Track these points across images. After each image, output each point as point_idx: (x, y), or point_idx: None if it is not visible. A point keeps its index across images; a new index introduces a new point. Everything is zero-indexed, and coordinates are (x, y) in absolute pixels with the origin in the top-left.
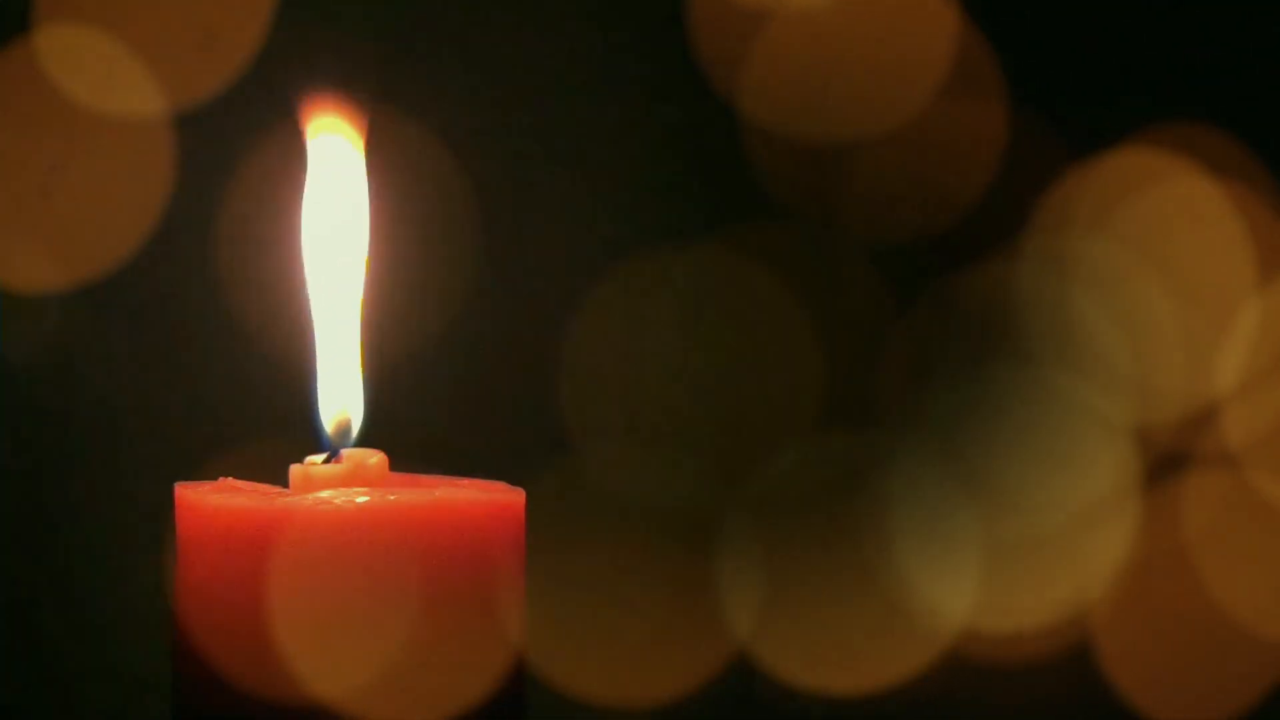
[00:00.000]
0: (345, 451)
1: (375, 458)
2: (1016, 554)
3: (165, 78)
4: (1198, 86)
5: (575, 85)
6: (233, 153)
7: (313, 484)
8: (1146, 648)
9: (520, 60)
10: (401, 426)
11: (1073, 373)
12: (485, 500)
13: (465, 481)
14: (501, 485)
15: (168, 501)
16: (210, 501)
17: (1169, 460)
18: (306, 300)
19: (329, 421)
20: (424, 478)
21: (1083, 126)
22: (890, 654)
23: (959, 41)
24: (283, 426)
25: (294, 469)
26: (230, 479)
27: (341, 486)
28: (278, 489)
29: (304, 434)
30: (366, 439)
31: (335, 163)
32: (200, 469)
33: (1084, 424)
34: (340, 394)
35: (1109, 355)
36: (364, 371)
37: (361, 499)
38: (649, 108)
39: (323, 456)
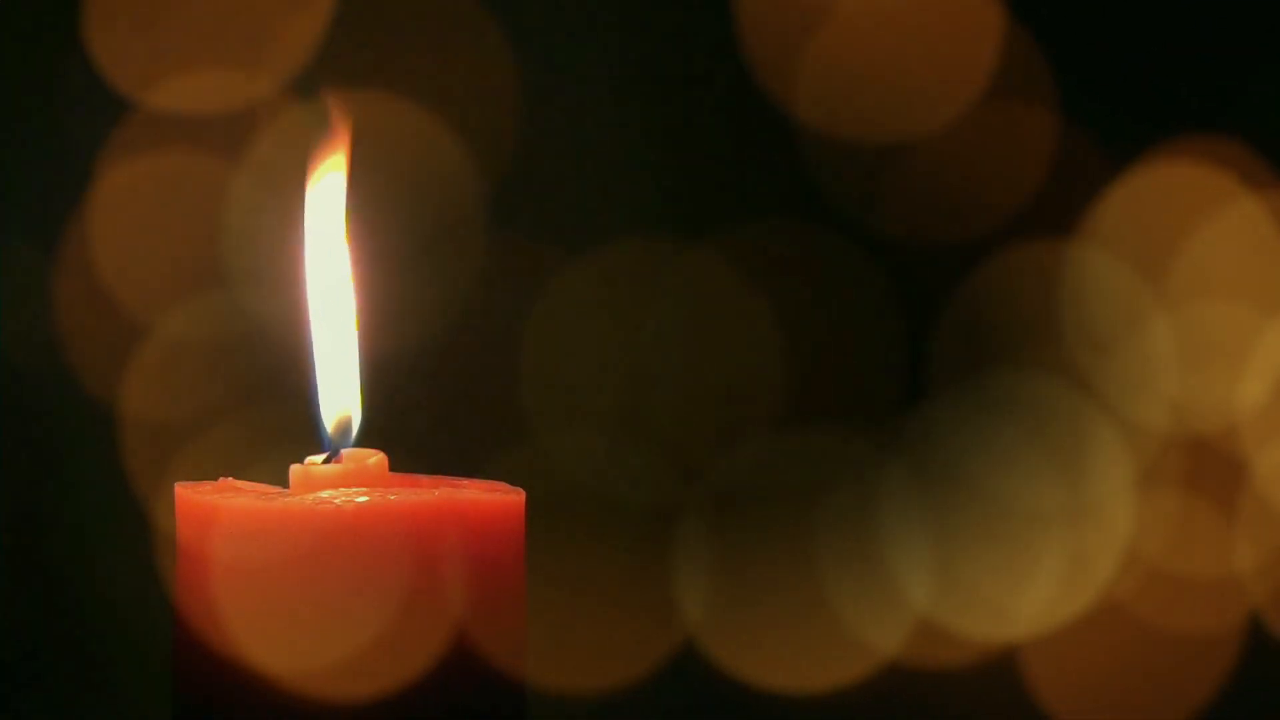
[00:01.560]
0: (345, 451)
1: (375, 458)
2: (980, 557)
3: (174, 73)
4: (1237, 100)
5: (615, 81)
6: (236, 151)
7: (313, 484)
8: (1113, 660)
9: (552, 54)
10: (401, 426)
11: (1099, 380)
12: (485, 500)
13: (465, 481)
14: (502, 485)
15: (167, 501)
16: (210, 501)
17: (1179, 468)
18: (307, 299)
19: (329, 421)
20: (424, 478)
21: (1126, 135)
22: (842, 654)
23: (1007, 45)
24: (283, 426)
25: (294, 469)
26: (230, 479)
27: (341, 486)
28: (278, 489)
29: (304, 434)
30: (366, 439)
31: (330, 163)
32: (200, 469)
33: (1073, 431)
34: (340, 394)
35: (1138, 363)
36: (364, 371)
37: (361, 499)
38: (661, 103)
39: (323, 456)
